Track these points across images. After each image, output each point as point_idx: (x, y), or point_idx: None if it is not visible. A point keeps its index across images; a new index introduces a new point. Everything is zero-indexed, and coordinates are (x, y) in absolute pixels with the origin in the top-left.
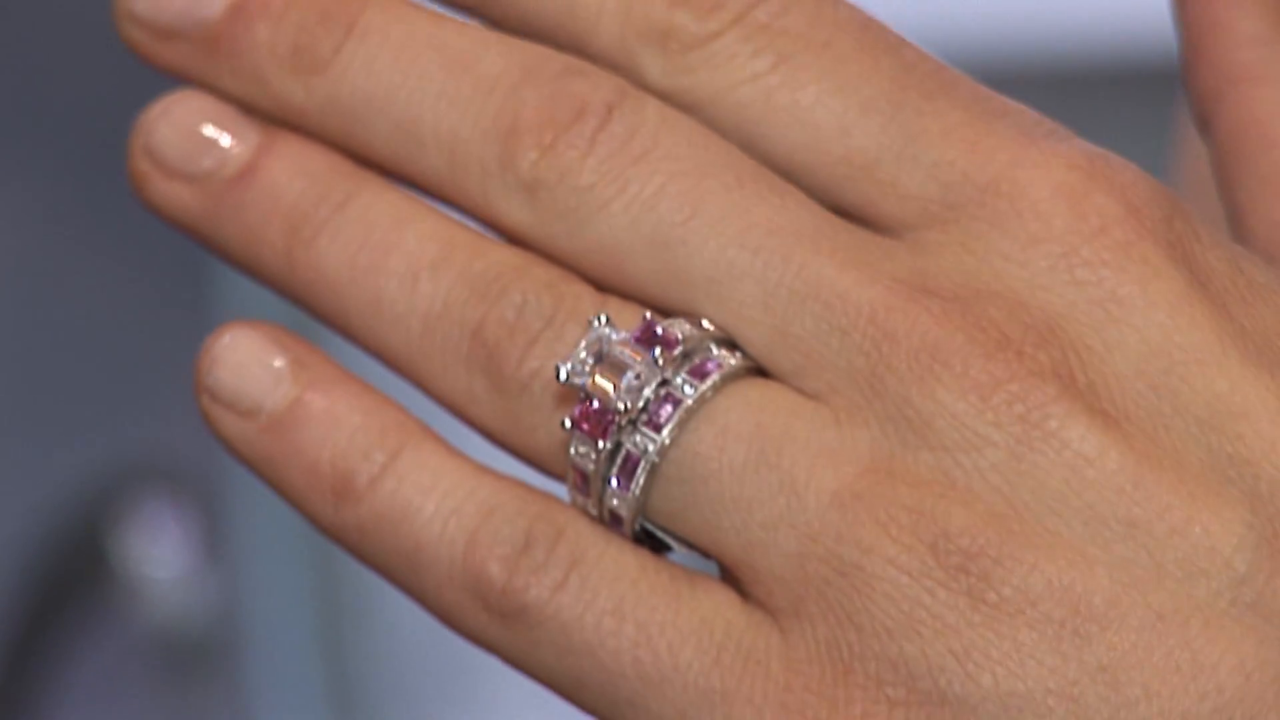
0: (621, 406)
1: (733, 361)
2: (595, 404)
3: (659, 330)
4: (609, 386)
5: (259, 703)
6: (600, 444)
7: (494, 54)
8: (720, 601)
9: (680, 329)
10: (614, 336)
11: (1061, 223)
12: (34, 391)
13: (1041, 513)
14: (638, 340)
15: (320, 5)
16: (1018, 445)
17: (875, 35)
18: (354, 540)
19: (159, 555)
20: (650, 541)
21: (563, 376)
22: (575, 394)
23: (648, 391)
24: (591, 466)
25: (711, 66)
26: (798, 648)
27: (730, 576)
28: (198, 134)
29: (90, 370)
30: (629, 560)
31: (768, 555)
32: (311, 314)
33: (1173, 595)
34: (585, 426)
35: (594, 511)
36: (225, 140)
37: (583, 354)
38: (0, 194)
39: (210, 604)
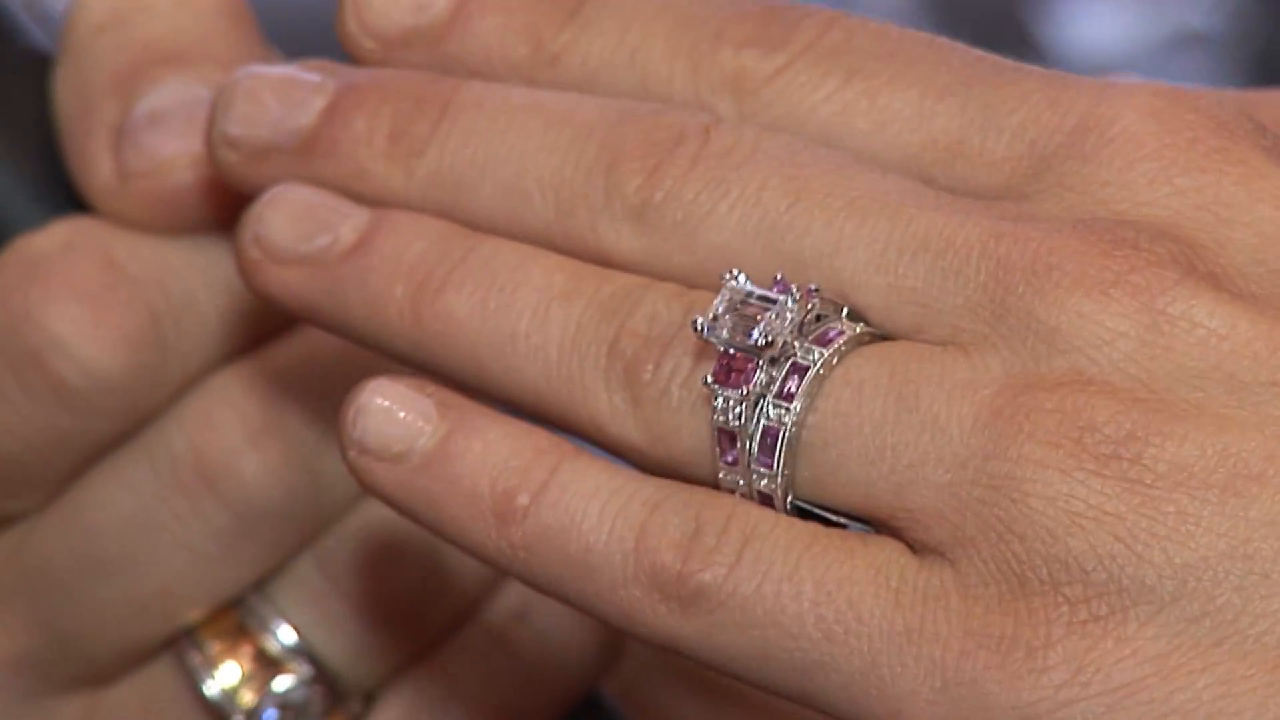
0: (761, 341)
1: (856, 329)
2: (734, 354)
3: (792, 286)
4: (747, 328)
5: None
6: (745, 389)
7: (589, 106)
8: (891, 550)
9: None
10: (749, 290)
11: (1154, 141)
12: None
13: (1182, 390)
14: (774, 291)
15: (414, 91)
16: (1147, 332)
17: (938, 40)
18: (521, 560)
19: None
20: (807, 519)
21: (699, 327)
22: (713, 356)
23: (785, 332)
24: (737, 422)
25: (786, 97)
26: (969, 574)
27: (889, 530)
28: (307, 216)
29: None
30: (799, 529)
31: (919, 493)
32: (441, 369)
33: None
34: (728, 378)
35: (746, 490)
36: (335, 218)
37: (720, 307)
38: None
39: None
